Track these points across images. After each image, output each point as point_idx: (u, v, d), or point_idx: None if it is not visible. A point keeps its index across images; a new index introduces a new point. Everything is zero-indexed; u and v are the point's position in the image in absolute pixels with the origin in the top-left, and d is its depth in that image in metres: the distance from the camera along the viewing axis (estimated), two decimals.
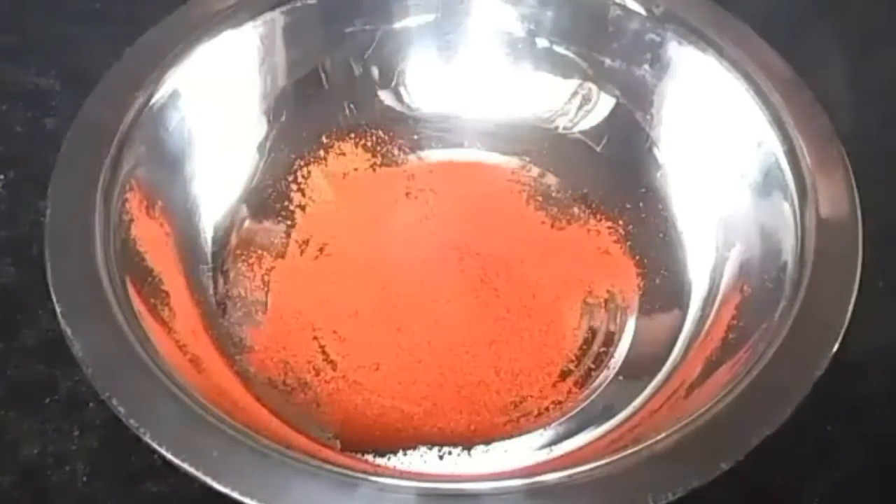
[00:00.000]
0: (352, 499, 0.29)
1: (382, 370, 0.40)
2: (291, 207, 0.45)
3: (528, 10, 0.47)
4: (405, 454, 0.37)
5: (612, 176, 0.46)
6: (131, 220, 0.37)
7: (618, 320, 0.42)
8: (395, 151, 0.48)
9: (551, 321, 0.42)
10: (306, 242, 0.44)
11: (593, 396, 0.40)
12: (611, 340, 0.42)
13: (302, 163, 0.47)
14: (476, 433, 0.38)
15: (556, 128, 0.48)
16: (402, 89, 0.48)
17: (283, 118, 0.46)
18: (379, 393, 0.39)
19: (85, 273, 0.34)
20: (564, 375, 0.40)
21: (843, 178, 0.38)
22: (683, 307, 0.41)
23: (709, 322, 0.40)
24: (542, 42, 0.47)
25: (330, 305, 0.42)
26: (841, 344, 0.33)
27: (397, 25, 0.47)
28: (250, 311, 0.42)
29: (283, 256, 0.44)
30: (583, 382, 0.40)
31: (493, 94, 0.48)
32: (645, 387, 0.39)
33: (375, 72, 0.48)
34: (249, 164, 0.45)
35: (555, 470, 0.30)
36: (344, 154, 0.47)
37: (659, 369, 0.39)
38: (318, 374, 0.40)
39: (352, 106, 0.48)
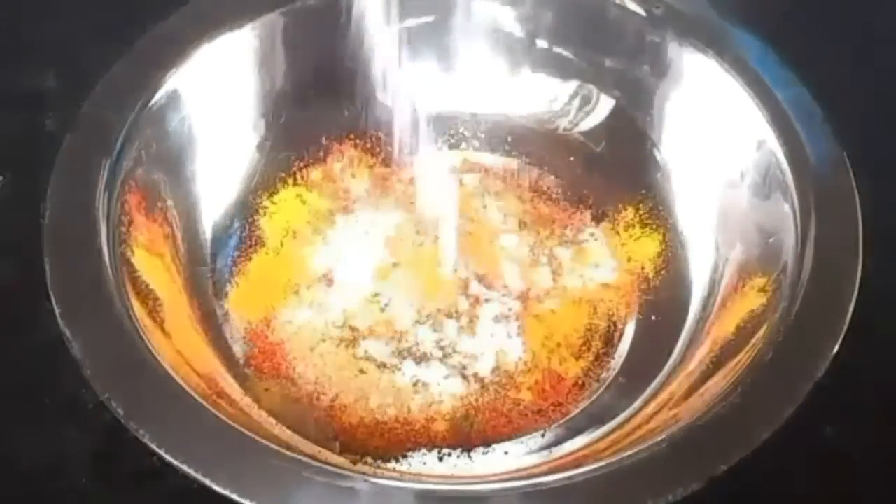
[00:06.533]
0: (352, 501, 0.29)
1: (382, 373, 0.40)
2: (290, 208, 0.45)
3: (527, 11, 0.47)
4: (405, 456, 0.37)
5: (612, 176, 0.46)
6: (131, 221, 0.38)
7: (618, 322, 0.42)
8: (395, 152, 0.48)
9: (551, 323, 0.42)
10: (306, 243, 0.44)
11: (593, 398, 0.40)
12: (611, 342, 0.42)
13: (302, 163, 0.46)
14: (476, 435, 0.38)
15: (556, 128, 0.48)
16: (401, 89, 0.48)
17: (282, 119, 0.46)
18: (379, 395, 0.39)
19: (84, 274, 0.34)
20: (564, 377, 0.40)
21: (843, 178, 0.38)
22: (683, 308, 0.41)
23: (709, 322, 0.40)
24: (541, 43, 0.47)
25: (329, 307, 0.42)
26: (841, 344, 0.33)
27: (397, 26, 0.47)
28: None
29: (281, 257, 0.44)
30: (583, 384, 0.40)
31: (493, 95, 0.48)
32: (645, 388, 0.39)
33: (375, 72, 0.48)
34: (249, 164, 0.45)
35: (555, 472, 0.30)
36: (343, 155, 0.47)
37: (659, 370, 0.39)
38: (317, 376, 0.40)
39: (351, 106, 0.48)
